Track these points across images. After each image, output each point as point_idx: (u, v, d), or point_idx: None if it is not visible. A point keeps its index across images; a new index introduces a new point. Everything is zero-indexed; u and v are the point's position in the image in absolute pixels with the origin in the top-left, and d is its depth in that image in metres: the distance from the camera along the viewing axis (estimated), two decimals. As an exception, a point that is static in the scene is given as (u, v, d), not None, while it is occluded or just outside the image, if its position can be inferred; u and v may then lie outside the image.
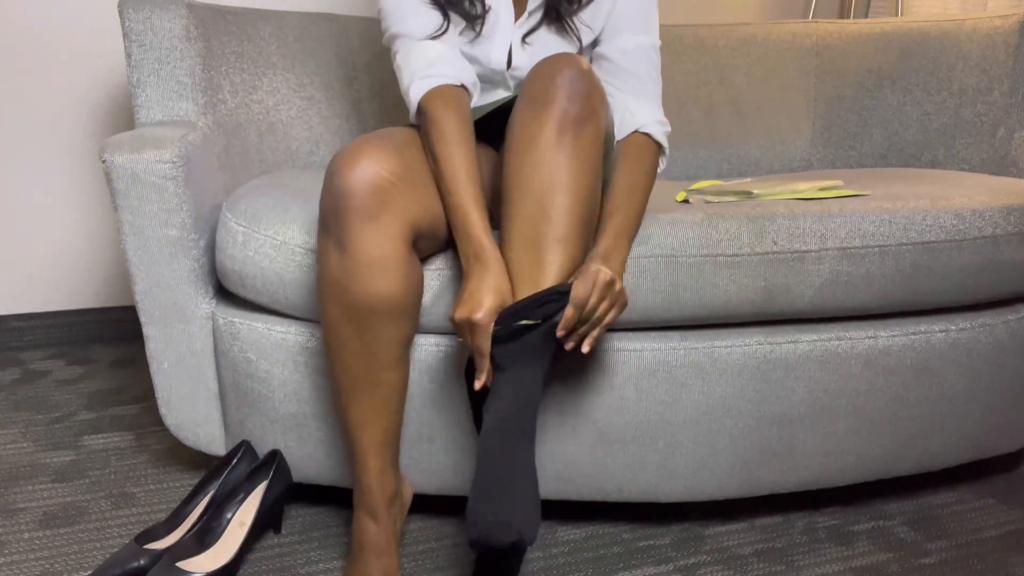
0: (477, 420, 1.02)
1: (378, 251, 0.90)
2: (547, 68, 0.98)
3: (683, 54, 1.73)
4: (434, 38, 1.08)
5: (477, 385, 0.93)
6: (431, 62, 1.05)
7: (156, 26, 1.25)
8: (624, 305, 0.95)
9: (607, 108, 1.02)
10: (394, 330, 0.95)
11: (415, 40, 1.07)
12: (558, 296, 0.91)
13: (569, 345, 0.93)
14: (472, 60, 1.14)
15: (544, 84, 0.96)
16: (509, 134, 0.97)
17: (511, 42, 1.14)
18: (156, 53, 1.26)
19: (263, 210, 1.09)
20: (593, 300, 0.91)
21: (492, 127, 1.19)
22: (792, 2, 2.29)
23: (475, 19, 1.11)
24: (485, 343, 0.91)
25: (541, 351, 0.93)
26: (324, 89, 1.50)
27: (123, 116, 1.80)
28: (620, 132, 1.11)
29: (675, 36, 1.74)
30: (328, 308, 0.95)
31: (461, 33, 1.12)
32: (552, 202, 0.93)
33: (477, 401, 1.01)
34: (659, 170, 1.12)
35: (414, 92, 1.04)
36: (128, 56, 1.26)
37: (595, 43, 1.17)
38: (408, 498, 1.12)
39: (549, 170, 0.93)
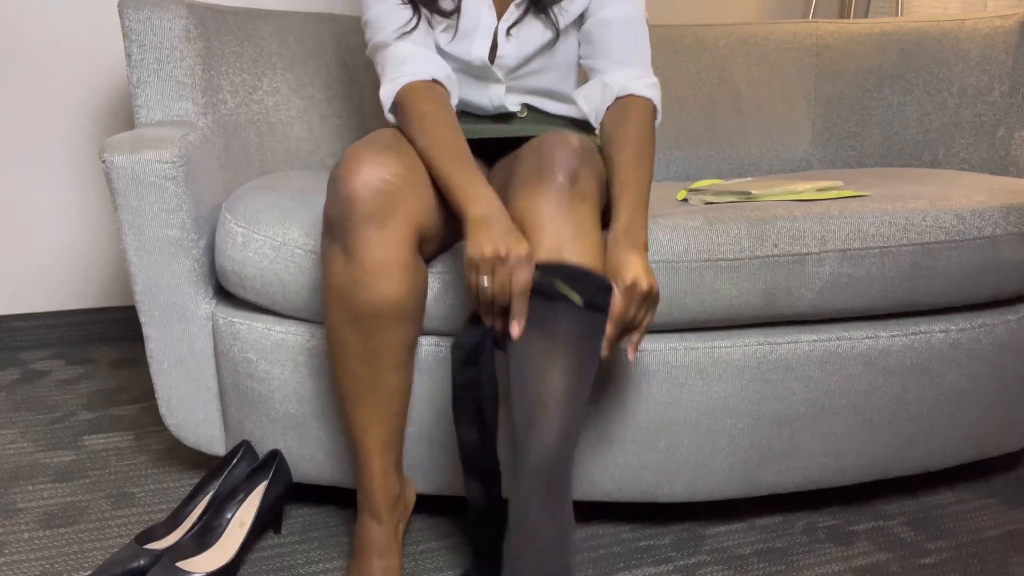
0: (460, 411, 0.94)
1: (384, 256, 0.90)
2: (542, 147, 0.96)
3: (683, 54, 1.73)
4: (405, 35, 1.08)
5: (516, 332, 0.87)
6: (401, 62, 1.06)
7: (156, 26, 1.25)
8: (657, 303, 0.93)
9: (602, 183, 1.01)
10: (399, 334, 0.94)
11: (389, 45, 1.08)
12: (601, 285, 0.88)
13: (606, 354, 0.91)
14: (453, 58, 1.15)
15: (539, 163, 0.95)
16: (510, 207, 0.95)
17: (494, 35, 1.15)
18: (156, 53, 1.26)
19: (262, 211, 1.09)
20: (631, 313, 0.90)
21: (485, 148, 1.19)
22: (792, 2, 2.29)
23: (448, 15, 1.12)
24: (527, 277, 0.86)
25: (581, 344, 0.88)
26: (324, 89, 1.50)
27: (123, 116, 1.80)
28: (607, 99, 1.11)
29: (675, 36, 1.74)
30: (333, 313, 0.95)
31: (444, 31, 1.13)
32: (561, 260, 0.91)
33: (464, 390, 0.93)
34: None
35: (385, 94, 1.05)
36: (128, 56, 1.25)
37: (577, 22, 1.18)
38: (411, 500, 1.12)
39: (553, 236, 0.91)
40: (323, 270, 0.95)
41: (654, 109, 1.10)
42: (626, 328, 0.92)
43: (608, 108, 1.11)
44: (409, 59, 1.06)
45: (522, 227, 0.91)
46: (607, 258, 0.93)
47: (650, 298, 0.91)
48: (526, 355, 0.87)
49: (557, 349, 0.87)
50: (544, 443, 0.85)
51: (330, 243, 0.93)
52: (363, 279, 0.90)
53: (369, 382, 0.96)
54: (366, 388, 0.96)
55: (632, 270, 0.90)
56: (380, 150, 0.93)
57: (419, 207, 0.94)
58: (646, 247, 0.95)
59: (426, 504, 1.24)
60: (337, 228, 0.91)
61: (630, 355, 0.94)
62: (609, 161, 1.04)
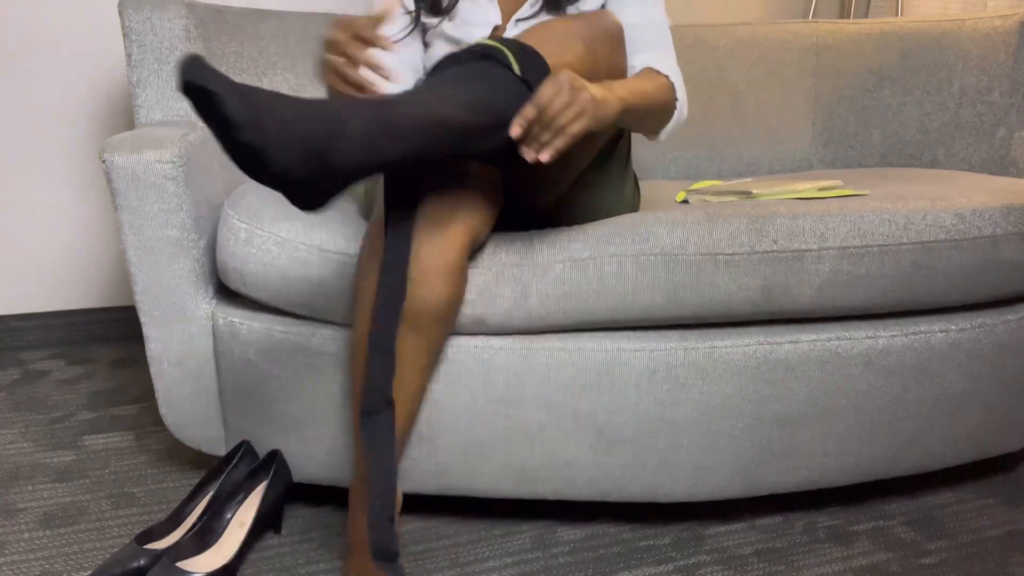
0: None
1: (443, 259, 0.92)
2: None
3: (683, 54, 1.73)
4: (396, 41, 1.16)
5: (391, 85, 0.86)
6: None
7: (156, 26, 1.25)
8: (594, 116, 0.85)
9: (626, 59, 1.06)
10: (435, 335, 0.96)
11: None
12: (544, 69, 0.87)
13: (530, 156, 0.85)
14: (456, 42, 1.18)
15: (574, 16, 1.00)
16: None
17: (498, 22, 1.18)
18: (156, 53, 1.26)
19: (265, 207, 1.09)
20: (557, 104, 0.83)
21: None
22: (792, 2, 2.29)
23: (445, 11, 1.18)
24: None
25: (502, 98, 0.85)
26: (324, 89, 1.50)
27: (123, 116, 1.80)
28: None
29: (675, 36, 1.73)
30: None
31: (448, 21, 1.18)
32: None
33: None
34: (676, 113, 1.12)
35: None
36: (128, 56, 1.26)
37: None
38: (400, 498, 1.12)
39: (534, 41, 0.93)
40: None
41: (671, 86, 1.11)
42: (547, 124, 0.84)
43: None
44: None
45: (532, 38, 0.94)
46: None
47: (579, 100, 0.84)
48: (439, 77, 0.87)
49: (476, 81, 0.86)
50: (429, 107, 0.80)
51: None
52: (423, 280, 0.92)
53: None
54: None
55: (571, 73, 0.85)
56: None
57: (478, 214, 0.96)
58: (619, 101, 0.91)
59: (426, 504, 1.24)
60: None
61: (543, 156, 0.85)
62: None
